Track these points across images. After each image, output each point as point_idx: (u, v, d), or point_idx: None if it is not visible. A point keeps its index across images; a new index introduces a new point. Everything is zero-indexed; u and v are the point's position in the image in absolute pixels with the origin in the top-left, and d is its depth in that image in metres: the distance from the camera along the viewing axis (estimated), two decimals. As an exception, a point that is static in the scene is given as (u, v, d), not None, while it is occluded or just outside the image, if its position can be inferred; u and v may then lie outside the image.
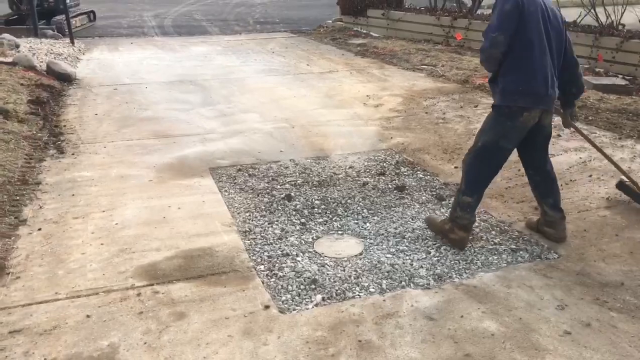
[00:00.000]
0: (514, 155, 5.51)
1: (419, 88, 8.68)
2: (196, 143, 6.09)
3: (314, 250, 3.90)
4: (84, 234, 4.09)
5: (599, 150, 4.48)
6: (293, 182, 5.02)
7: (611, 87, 8.69)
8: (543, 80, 3.61)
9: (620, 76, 9.39)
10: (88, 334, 3.00)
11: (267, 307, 3.25)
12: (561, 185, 4.88)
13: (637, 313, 3.18)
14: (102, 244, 3.94)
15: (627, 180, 4.51)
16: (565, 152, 5.77)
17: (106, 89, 8.66)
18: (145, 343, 2.93)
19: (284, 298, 3.35)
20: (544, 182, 4.01)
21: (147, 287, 3.44)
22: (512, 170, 5.27)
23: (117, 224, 4.25)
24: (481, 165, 3.86)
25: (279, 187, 4.93)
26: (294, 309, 3.24)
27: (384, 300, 3.31)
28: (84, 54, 11.96)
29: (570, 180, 5.05)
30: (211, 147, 5.97)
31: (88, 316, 3.14)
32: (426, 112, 7.26)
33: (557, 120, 6.89)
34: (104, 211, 4.45)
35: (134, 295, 3.35)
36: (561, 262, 3.73)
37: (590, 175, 5.14)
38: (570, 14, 11.04)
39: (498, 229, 4.19)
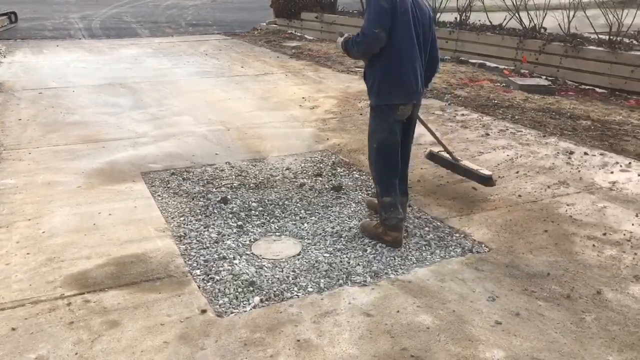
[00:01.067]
0: (445, 154, 5.67)
1: (353, 90, 8.78)
2: (127, 147, 5.93)
3: (252, 253, 3.87)
4: (8, 243, 3.90)
5: (427, 127, 4.93)
6: (229, 185, 4.97)
7: (535, 88, 9.09)
8: (414, 78, 3.80)
9: (544, 77, 9.84)
10: (14, 347, 2.85)
11: (203, 311, 3.19)
12: (490, 181, 5.06)
13: (562, 301, 3.33)
14: (28, 254, 3.77)
15: (440, 151, 5.11)
16: (494, 149, 5.98)
17: (30, 93, 8.30)
18: (76, 354, 2.82)
19: (221, 302, 3.30)
20: (402, 166, 4.15)
21: (78, 296, 3.31)
22: (444, 169, 5.41)
23: (44, 232, 4.07)
24: (385, 163, 4.00)
25: (214, 190, 4.86)
26: (232, 312, 3.21)
27: (322, 299, 3.33)
28: (5, 56, 11.42)
29: (499, 177, 5.23)
30: (143, 151, 5.83)
31: (13, 329, 2.99)
32: (361, 114, 7.35)
33: (485, 119, 7.16)
34: (29, 219, 4.26)
35: (63, 305, 3.22)
36: (491, 255, 3.86)
37: (517, 172, 5.35)
38: (496, 18, 11.50)
39: (431, 225, 4.29)
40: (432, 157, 5.22)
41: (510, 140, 6.29)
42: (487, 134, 6.52)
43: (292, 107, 7.68)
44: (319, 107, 7.70)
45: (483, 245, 3.99)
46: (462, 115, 7.33)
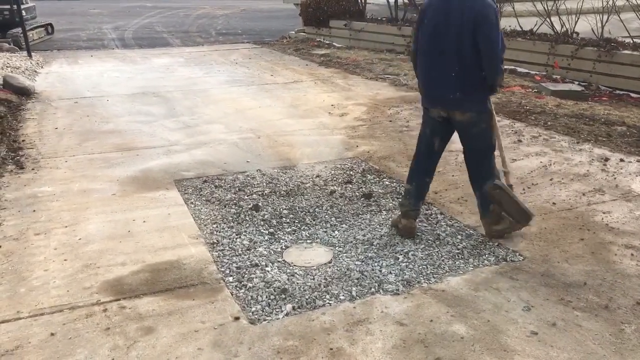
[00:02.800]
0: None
1: (382, 97, 8.77)
2: (160, 155, 6.02)
3: (283, 260, 3.89)
4: (47, 250, 3.99)
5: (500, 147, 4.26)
6: (260, 192, 5.01)
7: (568, 93, 8.95)
8: (432, 83, 4.03)
9: (576, 82, 9.68)
10: (53, 352, 2.91)
11: (237, 318, 3.21)
12: (523, 189, 5.00)
13: (599, 311, 3.26)
14: (65, 260, 3.85)
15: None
16: (527, 156, 5.90)
17: (66, 103, 8.50)
18: (112, 359, 2.87)
19: (253, 309, 3.32)
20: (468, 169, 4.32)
21: (114, 303, 3.37)
22: (476, 176, 5.36)
23: (80, 239, 4.15)
24: (415, 153, 4.31)
25: (246, 197, 4.90)
26: (265, 320, 3.22)
27: (354, 307, 3.32)
28: (42, 67, 11.72)
29: (532, 184, 5.16)
30: (176, 158, 5.91)
31: (52, 334, 3.06)
32: (390, 121, 7.34)
33: (517, 125, 7.07)
34: (66, 226, 4.35)
35: (100, 311, 3.28)
36: (526, 264, 3.80)
37: (551, 179, 5.26)
38: (527, 23, 11.37)
39: (464, 233, 4.25)
40: (496, 190, 4.01)
41: (543, 147, 6.20)
42: (520, 141, 6.44)
43: (321, 115, 7.70)
44: (348, 115, 7.71)
45: (517, 254, 3.93)
46: (494, 121, 7.24)
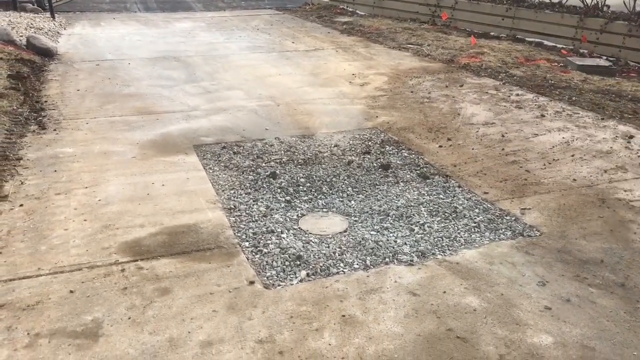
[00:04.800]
0: (497, 135, 5.56)
1: (404, 67, 8.66)
2: (180, 120, 6.04)
3: (299, 228, 3.91)
4: (67, 210, 4.05)
5: None
6: (278, 160, 5.01)
7: (595, 69, 8.75)
8: None
9: (604, 57, 9.45)
10: (71, 309, 2.99)
11: (251, 282, 3.25)
12: (544, 164, 4.94)
13: (615, 289, 3.24)
14: (85, 220, 3.91)
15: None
16: (549, 131, 5.81)
17: (88, 65, 8.53)
18: (129, 318, 2.93)
19: (268, 274, 3.36)
20: None
21: (131, 263, 3.43)
22: (496, 149, 5.31)
23: (100, 200, 4.21)
24: None
25: (264, 164, 4.92)
26: (279, 285, 3.26)
27: (367, 276, 3.34)
28: (65, 28, 11.74)
29: (553, 159, 5.09)
30: (195, 124, 5.92)
31: (71, 292, 3.13)
32: (412, 92, 7.26)
33: (540, 99, 6.95)
34: (86, 187, 4.41)
35: (117, 271, 3.34)
36: (543, 240, 3.77)
37: (573, 155, 5.19)
38: (556, -5, 11.05)
39: (481, 207, 4.22)
40: None
41: (566, 122, 6.09)
42: (543, 115, 6.34)
43: (341, 84, 7.64)
44: (369, 84, 7.64)
45: (534, 229, 3.91)
46: (517, 95, 7.13)
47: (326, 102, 6.79)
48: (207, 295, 3.13)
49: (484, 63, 8.94)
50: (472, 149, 5.34)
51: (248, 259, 3.50)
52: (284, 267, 3.43)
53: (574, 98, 7.14)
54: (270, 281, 3.29)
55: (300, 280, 3.30)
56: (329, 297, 3.14)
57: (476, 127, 5.92)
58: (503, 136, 5.67)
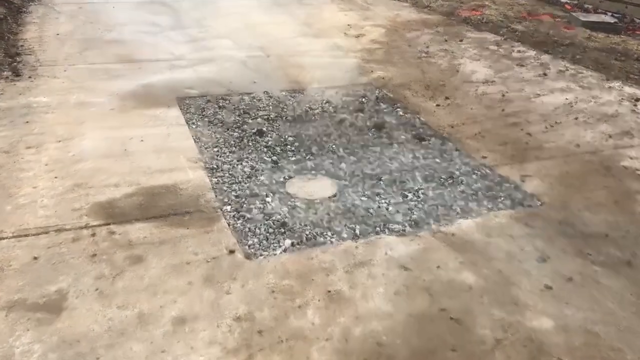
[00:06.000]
0: (498, 94, 5.28)
1: (402, 19, 8.26)
2: (163, 69, 5.69)
3: (285, 191, 3.66)
4: (37, 165, 3.77)
5: None
6: (266, 117, 4.72)
7: (600, 25, 8.38)
8: None
9: (609, 13, 9.05)
10: (34, 278, 2.75)
11: (232, 251, 3.02)
12: (545, 127, 4.69)
13: (620, 267, 3.04)
14: (55, 177, 3.64)
15: None
16: (551, 92, 5.52)
17: (70, 7, 8.07)
18: (96, 289, 2.70)
19: (250, 242, 3.12)
20: None
21: (103, 227, 3.18)
22: (496, 110, 5.04)
23: (73, 155, 3.93)
24: None
25: (250, 121, 4.62)
26: (261, 255, 3.03)
27: (356, 247, 3.11)
28: (46, -33, 11.13)
29: (556, 122, 4.83)
30: (179, 74, 5.58)
31: (35, 258, 2.89)
32: (409, 45, 6.90)
33: (543, 57, 6.63)
34: (59, 141, 4.12)
35: (87, 236, 3.10)
36: (544, 211, 3.55)
37: (576, 118, 4.92)
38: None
39: (479, 173, 3.98)
40: None
41: (569, 83, 5.80)
42: (545, 74, 6.03)
43: (336, 35, 7.26)
44: (365, 36, 7.26)
45: (535, 199, 3.68)
46: (519, 52, 6.80)
47: (319, 54, 6.44)
48: (183, 265, 2.91)
49: (484, 17, 8.55)
50: (471, 108, 5.06)
51: (229, 225, 3.26)
52: (268, 234, 3.19)
53: (577, 56, 6.82)
54: (252, 250, 3.06)
55: (284, 250, 3.07)
56: (314, 270, 2.92)
57: (475, 85, 5.62)
58: (503, 96, 5.38)
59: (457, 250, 3.11)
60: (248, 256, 3.01)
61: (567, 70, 6.21)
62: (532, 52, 6.80)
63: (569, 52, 7.02)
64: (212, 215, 3.34)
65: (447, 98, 5.26)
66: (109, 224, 3.21)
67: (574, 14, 8.89)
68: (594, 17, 8.71)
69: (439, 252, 3.10)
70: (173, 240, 3.10)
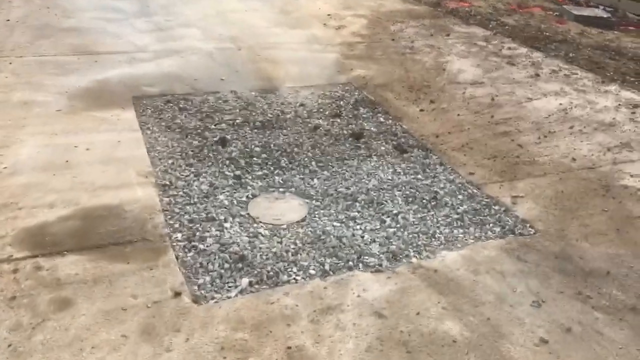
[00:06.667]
0: (487, 97, 4.85)
1: (386, 9, 7.78)
2: (122, 63, 5.18)
3: (247, 214, 3.21)
4: (-38, 180, 3.28)
5: None
6: (231, 122, 4.25)
7: (592, 20, 7.99)
8: None
9: (602, 7, 8.67)
10: None
11: (177, 294, 2.58)
12: (539, 137, 4.29)
13: (625, 314, 2.65)
14: (-19, 195, 3.16)
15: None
16: (544, 96, 5.12)
17: (27, -11, 7.45)
18: (9, 346, 2.25)
19: (201, 281, 2.68)
20: None
21: (28, 260, 2.71)
22: (485, 116, 4.62)
23: (6, 168, 3.44)
24: None
25: (213, 127, 4.15)
26: (212, 298, 2.59)
27: (325, 288, 2.69)
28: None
29: (549, 131, 4.43)
30: (140, 69, 5.08)
31: (-61, 304, 2.42)
32: (393, 39, 6.44)
33: (535, 55, 6.22)
34: (-7, 149, 3.63)
35: (8, 272, 2.63)
36: (538, 240, 3.15)
37: (572, 127, 4.53)
38: None
39: (466, 192, 3.56)
40: None
41: (563, 85, 5.40)
42: (537, 75, 5.63)
43: (314, 26, 6.77)
44: (346, 28, 6.78)
45: (528, 226, 3.27)
46: (509, 49, 6.38)
47: (295, 47, 5.95)
48: (118, 312, 2.46)
49: (473, 9, 8.11)
50: (458, 114, 4.64)
51: (178, 259, 2.81)
52: (222, 271, 2.75)
53: (571, 54, 6.43)
54: (202, 292, 2.62)
55: (241, 292, 2.64)
56: (273, 318, 2.49)
57: (463, 86, 5.20)
58: (493, 99, 4.96)
59: (440, 292, 2.70)
60: (197, 299, 2.57)
61: (561, 70, 5.81)
62: (523, 50, 6.39)
63: (562, 49, 6.63)
64: (158, 246, 2.89)
65: (432, 102, 4.82)
66: (35, 257, 2.74)
67: (565, 7, 8.51)
68: (586, 11, 8.33)
69: (419, 294, 2.68)
70: (109, 278, 2.64)
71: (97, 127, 4.00)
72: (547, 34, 7.21)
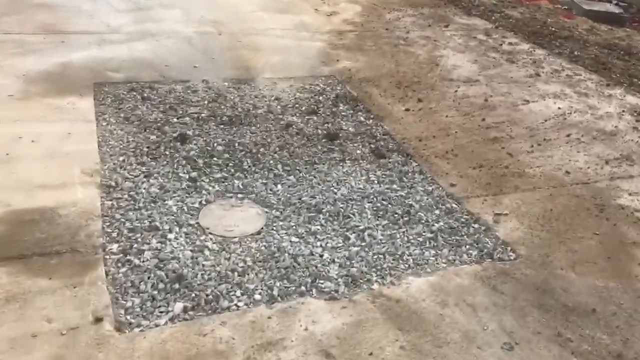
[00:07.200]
0: (480, 97, 4.50)
1: (384, -5, 7.37)
2: (91, 45, 4.82)
3: (197, 223, 2.89)
4: None
5: None
6: (196, 115, 3.90)
7: (603, 15, 7.57)
8: None
9: (615, 1, 8.23)
10: None
11: (99, 319, 2.27)
12: (532, 145, 3.95)
13: (609, 363, 2.32)
14: None
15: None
16: (543, 98, 4.75)
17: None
18: None
19: (128, 304, 2.37)
20: None
21: (-63, 272, 2.40)
22: (475, 119, 4.27)
23: (-63, 159, 3.13)
24: None
25: (175, 120, 3.81)
26: (138, 325, 2.27)
27: (269, 318, 2.37)
28: None
29: (544, 139, 4.07)
30: (109, 52, 4.72)
31: None
32: (387, 29, 6.06)
33: (537, 52, 5.83)
34: None
35: None
36: (518, 267, 2.82)
37: (569, 135, 4.17)
38: None
39: (444, 207, 3.22)
40: None
41: (564, 86, 5.03)
42: (537, 74, 5.25)
43: (305, 11, 6.38)
44: (338, 15, 6.39)
45: (509, 249, 2.94)
46: (510, 44, 5.99)
47: (280, 34, 5.58)
48: (27, 340, 2.15)
49: (477, -2, 7.68)
50: (446, 116, 4.28)
51: (108, 275, 2.50)
52: (155, 292, 2.44)
53: (576, 53, 6.03)
54: (128, 317, 2.31)
55: (172, 319, 2.32)
56: (203, 354, 2.17)
57: (455, 84, 4.83)
58: (486, 100, 4.60)
59: (400, 327, 2.38)
60: (120, 327, 2.26)
61: (563, 70, 5.43)
62: (525, 46, 5.99)
63: (567, 46, 6.23)
64: (88, 259, 2.57)
65: (419, 100, 4.46)
66: (-54, 267, 2.43)
67: (576, 0, 8.06)
68: (597, 6, 7.89)
69: (376, 329, 2.36)
70: (25, 296, 2.33)
71: (49, 116, 3.67)
72: (553, 29, 6.80)
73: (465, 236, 3.00)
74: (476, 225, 3.09)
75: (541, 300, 2.61)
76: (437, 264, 2.79)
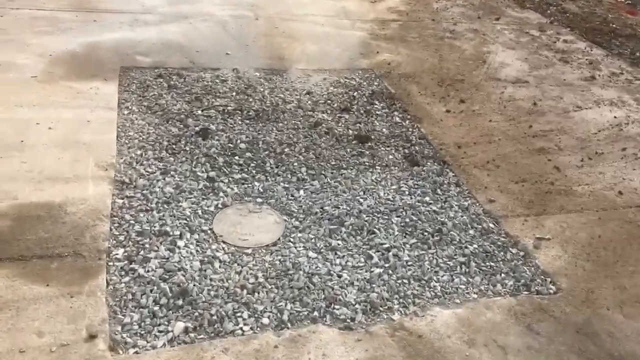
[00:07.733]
0: (528, 101, 4.18)
1: (433, -18, 6.98)
2: (123, 26, 4.66)
3: (210, 229, 2.70)
4: None
5: None
6: (222, 108, 3.69)
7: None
8: None
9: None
10: None
11: (92, 337, 2.10)
12: (582, 159, 3.61)
13: None
14: None
15: None
16: (597, 104, 4.38)
17: None
18: None
19: (126, 320, 2.20)
20: None
21: None
22: (522, 125, 3.94)
23: (-51, 143, 3.01)
24: None
25: (199, 112, 3.61)
26: (134, 346, 2.10)
27: (275, 347, 2.17)
28: None
29: (596, 152, 3.73)
30: (139, 34, 4.55)
31: None
32: (433, 19, 5.71)
33: (594, 52, 5.41)
34: (-55, 118, 3.20)
35: None
36: (558, 304, 2.53)
37: (624, 149, 3.81)
38: None
39: (480, 226, 2.95)
40: None
41: (622, 92, 4.63)
42: (593, 77, 4.85)
43: (349, -3, 6.08)
44: (383, 1, 6.06)
45: (549, 281, 2.65)
46: (565, 42, 5.57)
47: (320, 21, 5.31)
48: (12, 355, 2.00)
49: (533, -11, 7.21)
50: (490, 120, 3.96)
51: (109, 285, 2.33)
52: (156, 308, 2.26)
53: (638, 54, 5.57)
54: (124, 336, 2.13)
55: (170, 341, 2.14)
56: (200, 385, 1.99)
57: (502, 84, 4.49)
58: (535, 104, 4.25)
59: (420, 368, 2.14)
60: (114, 346, 2.09)
61: (622, 73, 5.01)
62: (581, 44, 5.57)
63: (628, 46, 5.77)
64: (90, 264, 2.41)
65: (462, 101, 4.16)
66: (-59, 266, 2.30)
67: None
68: (663, 2, 7.32)
69: (393, 368, 2.13)
70: (19, 304, 2.19)
71: (70, 102, 3.52)
72: (614, 26, 6.32)
73: (501, 262, 2.72)
74: (514, 250, 2.81)
75: (582, 346, 2.33)
76: (468, 293, 2.53)
